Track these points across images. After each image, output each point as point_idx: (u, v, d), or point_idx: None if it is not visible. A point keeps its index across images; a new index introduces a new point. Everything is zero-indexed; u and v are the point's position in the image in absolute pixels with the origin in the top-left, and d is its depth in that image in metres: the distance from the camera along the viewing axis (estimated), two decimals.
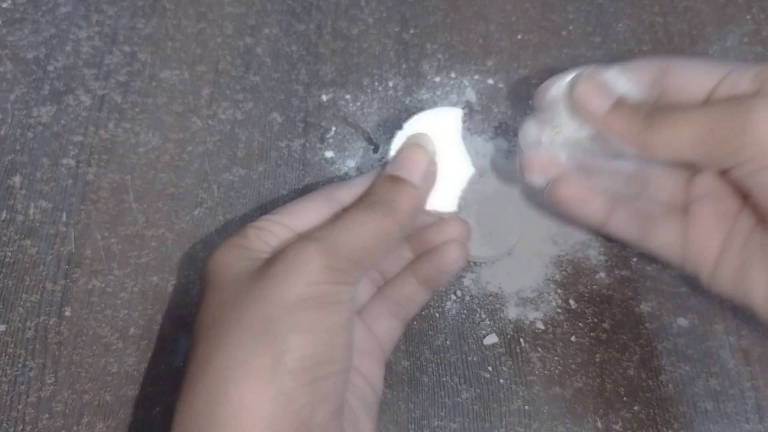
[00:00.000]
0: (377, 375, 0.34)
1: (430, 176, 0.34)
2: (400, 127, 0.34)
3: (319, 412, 0.28)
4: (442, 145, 0.34)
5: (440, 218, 0.35)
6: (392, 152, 0.34)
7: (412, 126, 0.34)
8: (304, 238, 0.30)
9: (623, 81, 0.34)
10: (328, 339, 0.29)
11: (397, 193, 0.32)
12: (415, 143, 0.34)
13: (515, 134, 0.47)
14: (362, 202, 0.32)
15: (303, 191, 0.45)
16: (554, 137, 0.35)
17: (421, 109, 0.47)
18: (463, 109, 0.35)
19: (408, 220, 0.32)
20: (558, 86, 0.35)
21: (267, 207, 0.44)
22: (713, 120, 0.31)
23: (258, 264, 0.30)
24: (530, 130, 0.35)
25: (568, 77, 0.35)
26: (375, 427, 0.32)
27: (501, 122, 0.47)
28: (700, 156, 0.32)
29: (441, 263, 0.35)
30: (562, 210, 0.36)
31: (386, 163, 0.34)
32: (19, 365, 0.39)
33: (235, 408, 0.27)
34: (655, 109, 0.33)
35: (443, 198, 0.34)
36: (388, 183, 0.33)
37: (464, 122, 0.36)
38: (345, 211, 0.32)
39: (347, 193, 0.34)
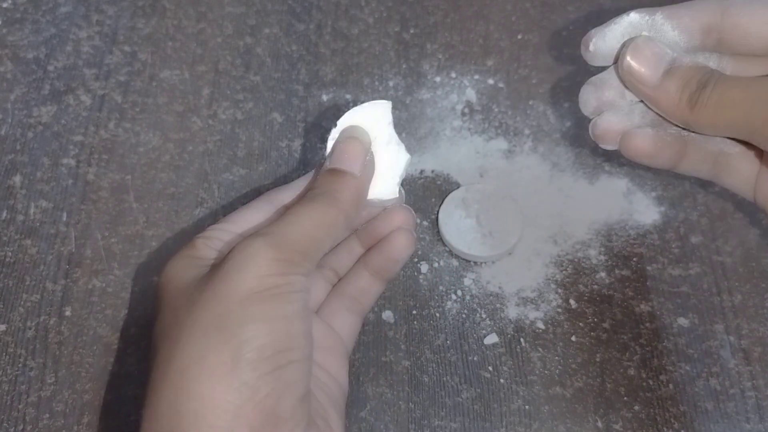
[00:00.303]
0: (342, 371, 0.35)
1: (368, 165, 0.34)
2: (335, 125, 0.35)
3: (285, 400, 0.28)
4: (376, 136, 0.35)
5: (385, 208, 0.35)
6: (329, 149, 0.34)
7: (345, 121, 0.35)
8: (251, 235, 0.30)
9: (668, 27, 0.32)
10: (284, 328, 0.29)
11: (339, 183, 0.33)
12: (349, 136, 0.34)
13: (515, 134, 0.47)
14: (305, 197, 0.33)
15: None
16: (622, 100, 0.34)
17: (421, 109, 0.48)
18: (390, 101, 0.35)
19: (352, 209, 0.33)
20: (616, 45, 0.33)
21: None
22: (753, 105, 0.30)
23: (208, 270, 0.31)
24: (591, 96, 0.34)
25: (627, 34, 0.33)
26: (343, 421, 0.33)
27: (501, 122, 0.47)
28: (745, 138, 0.31)
29: (391, 252, 0.36)
30: (634, 161, 0.35)
31: (324, 161, 0.34)
32: (20, 365, 0.39)
33: (198, 404, 0.27)
34: (705, 81, 0.31)
35: (383, 186, 0.35)
36: (328, 176, 0.33)
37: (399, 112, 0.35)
38: (289, 208, 0.33)
39: (289, 195, 0.35)
